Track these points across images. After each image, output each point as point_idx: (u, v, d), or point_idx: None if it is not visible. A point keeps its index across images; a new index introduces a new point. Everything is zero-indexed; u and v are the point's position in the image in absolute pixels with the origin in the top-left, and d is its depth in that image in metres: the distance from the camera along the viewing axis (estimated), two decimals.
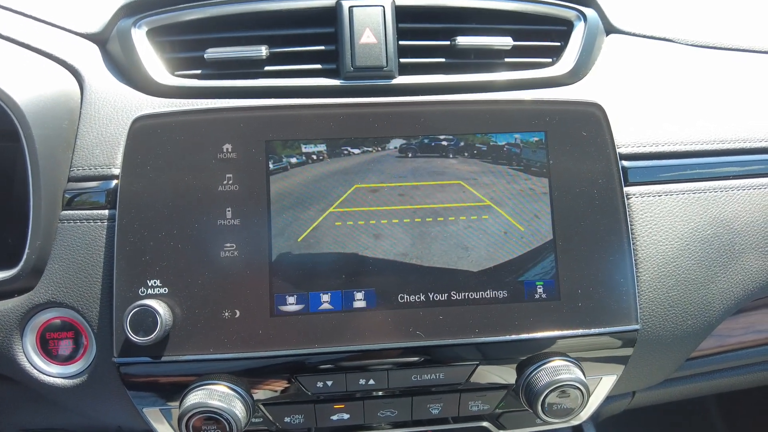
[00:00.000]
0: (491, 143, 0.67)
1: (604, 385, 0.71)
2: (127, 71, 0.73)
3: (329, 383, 0.64)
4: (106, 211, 0.66)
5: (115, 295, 0.62)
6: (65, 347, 0.68)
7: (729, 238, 0.74)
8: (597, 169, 0.68)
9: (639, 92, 0.79)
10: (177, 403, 0.63)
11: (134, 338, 0.59)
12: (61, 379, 0.67)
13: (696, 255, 0.73)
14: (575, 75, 0.78)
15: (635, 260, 0.69)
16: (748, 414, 1.37)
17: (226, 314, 0.62)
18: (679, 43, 0.89)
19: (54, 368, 0.67)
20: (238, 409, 0.60)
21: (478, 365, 0.65)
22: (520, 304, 0.64)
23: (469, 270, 0.64)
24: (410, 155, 0.65)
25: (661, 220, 0.72)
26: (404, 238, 0.64)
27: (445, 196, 0.65)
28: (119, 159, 0.67)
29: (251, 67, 0.73)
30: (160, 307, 0.59)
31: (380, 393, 0.66)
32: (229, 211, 0.63)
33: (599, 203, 0.68)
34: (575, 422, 0.76)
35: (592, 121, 0.69)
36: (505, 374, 0.68)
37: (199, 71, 0.73)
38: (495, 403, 0.69)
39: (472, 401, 0.68)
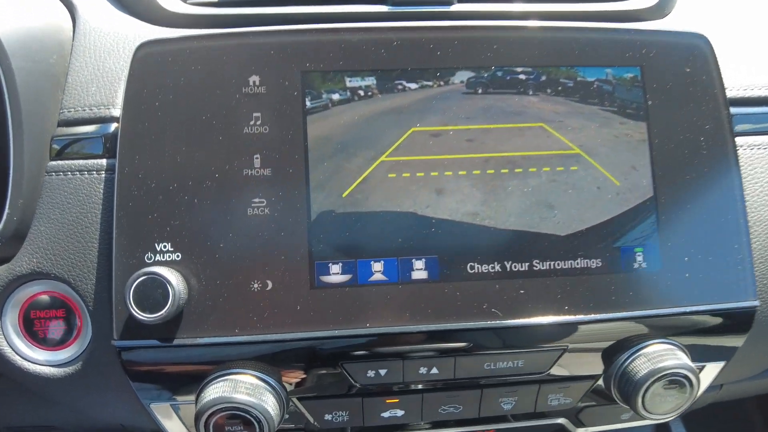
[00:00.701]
0: (579, 78, 0.54)
1: (707, 374, 0.59)
2: None
3: (382, 372, 0.51)
4: (104, 161, 0.54)
5: (114, 262, 0.49)
6: (55, 329, 0.56)
7: None
8: (703, 113, 0.56)
9: (740, 28, 0.67)
10: (193, 398, 0.51)
11: (139, 316, 0.46)
12: (49, 368, 0.55)
13: None
14: (660, 10, 0.65)
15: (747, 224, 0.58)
16: None
17: (255, 286, 0.49)
18: None
19: (41, 354, 0.55)
20: (270, 404, 0.48)
21: (565, 351, 0.53)
22: (618, 275, 0.52)
23: (555, 234, 0.52)
24: (480, 91, 0.53)
25: None
26: (473, 194, 0.52)
27: (524, 142, 0.52)
28: (119, 97, 0.55)
29: None
30: (171, 276, 0.47)
31: (442, 385, 0.54)
32: (257, 158, 0.50)
33: (707, 154, 0.55)
34: (666, 419, 0.65)
35: (696, 55, 0.57)
36: (593, 361, 0.55)
37: None
38: (579, 395, 0.57)
39: (552, 394, 0.56)
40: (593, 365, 0.55)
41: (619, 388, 0.54)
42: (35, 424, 0.71)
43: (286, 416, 0.55)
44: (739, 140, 0.60)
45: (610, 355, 0.55)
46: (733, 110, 0.61)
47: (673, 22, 0.65)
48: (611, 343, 0.54)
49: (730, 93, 0.61)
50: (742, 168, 0.59)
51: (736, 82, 0.62)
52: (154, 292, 0.47)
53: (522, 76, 0.53)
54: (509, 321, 0.51)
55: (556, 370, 0.55)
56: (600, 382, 0.56)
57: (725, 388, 0.75)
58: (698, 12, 0.67)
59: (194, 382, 0.50)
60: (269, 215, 0.50)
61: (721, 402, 0.79)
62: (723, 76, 0.60)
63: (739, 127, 0.61)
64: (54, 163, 0.55)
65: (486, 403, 0.55)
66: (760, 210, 0.59)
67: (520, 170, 0.52)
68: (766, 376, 0.72)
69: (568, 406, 0.57)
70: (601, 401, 0.60)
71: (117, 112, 0.55)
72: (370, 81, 0.52)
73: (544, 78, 0.53)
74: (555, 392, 0.56)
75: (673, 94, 0.56)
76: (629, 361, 0.53)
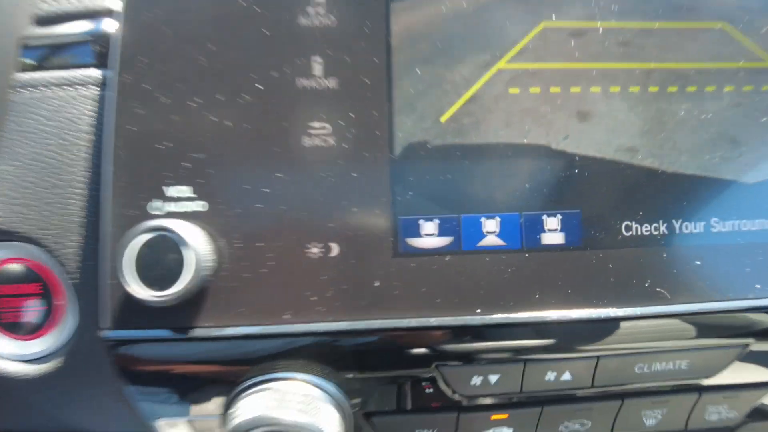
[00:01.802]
0: None
1: None
2: None
3: (493, 379, 0.36)
4: (96, 71, 0.38)
5: (105, 214, 0.34)
6: (28, 311, 0.41)
7: None
8: None
9: None
10: (218, 415, 0.36)
11: (141, 293, 0.31)
12: (17, 364, 0.40)
13: None
14: None
15: None
16: None
17: (315, 251, 0.34)
18: None
19: (8, 345, 0.40)
20: (331, 425, 0.33)
21: (747, 347, 0.38)
22: None
23: (741, 181, 0.37)
24: None
25: None
26: (631, 121, 0.36)
27: (700, 50, 0.37)
28: None
29: None
30: (191, 235, 0.32)
31: (571, 395, 0.39)
32: (318, 62, 0.35)
33: None
34: None
35: None
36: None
37: None
38: (747, 407, 0.42)
39: (713, 405, 0.41)
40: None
41: None
42: (9, 429, 0.56)
43: None
44: None
45: None
46: None
47: None
48: None
49: None
50: None
51: None
52: (164, 257, 0.32)
53: None
54: (680, 306, 0.35)
55: (724, 374, 0.40)
56: None
57: None
58: None
59: (221, 390, 0.35)
60: (334, 147, 0.34)
61: None
62: None
63: None
64: (25, 75, 0.39)
65: (623, 417, 0.40)
66: None
67: (694, 89, 0.36)
68: None
69: (732, 423, 0.42)
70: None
71: (114, 2, 0.39)
72: None
73: None
74: (717, 403, 0.41)
75: None
76: None
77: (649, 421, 0.41)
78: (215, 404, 0.36)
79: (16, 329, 0.41)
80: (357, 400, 0.37)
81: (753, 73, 0.37)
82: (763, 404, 0.42)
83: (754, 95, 0.37)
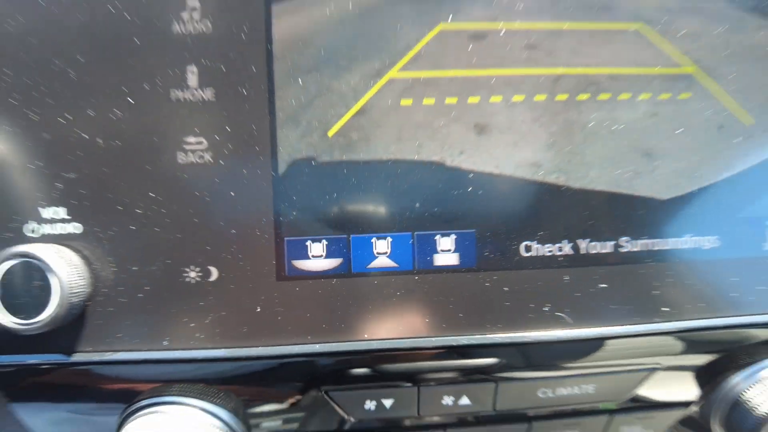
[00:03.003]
0: None
1: None
2: None
3: (387, 403, 0.35)
4: None
5: None
6: None
7: None
8: None
9: None
10: None
11: (6, 321, 0.30)
12: None
13: None
14: None
15: None
16: None
17: (192, 275, 0.32)
18: None
19: None
20: None
21: (655, 369, 0.37)
22: (741, 259, 0.35)
23: (653, 196, 0.35)
24: None
25: None
26: (535, 134, 0.34)
27: (613, 53, 0.34)
28: None
29: None
30: (57, 259, 0.30)
31: (474, 419, 0.38)
32: (192, 72, 0.32)
33: None
34: None
35: None
36: (684, 383, 0.39)
37: None
38: (662, 429, 0.41)
39: (627, 426, 0.40)
40: (686, 388, 0.39)
41: (727, 423, 0.38)
42: None
43: None
44: None
45: (712, 374, 0.39)
46: None
47: None
48: (714, 357, 0.38)
49: None
50: None
51: None
52: (29, 284, 0.30)
53: None
54: (582, 330, 0.34)
55: (642, 393, 0.39)
56: (693, 410, 0.41)
57: None
58: None
59: (109, 415, 0.34)
60: (212, 164, 0.32)
61: None
62: None
63: None
64: None
65: None
66: None
67: (607, 96, 0.34)
68: None
69: None
70: None
71: None
72: None
73: None
74: (631, 423, 0.40)
75: None
76: (745, 385, 0.37)
77: None
78: (107, 427, 0.36)
79: None
80: (254, 423, 0.36)
81: (670, 80, 0.34)
82: (680, 424, 0.41)
83: (671, 104, 0.34)
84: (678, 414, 0.40)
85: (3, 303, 0.30)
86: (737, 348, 0.37)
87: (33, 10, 0.32)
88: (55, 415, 0.35)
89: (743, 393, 0.37)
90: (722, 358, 0.38)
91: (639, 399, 0.38)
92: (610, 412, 0.39)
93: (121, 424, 0.34)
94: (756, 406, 0.36)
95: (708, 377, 0.38)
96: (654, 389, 0.38)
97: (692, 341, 0.35)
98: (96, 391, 0.34)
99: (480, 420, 0.37)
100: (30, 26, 0.32)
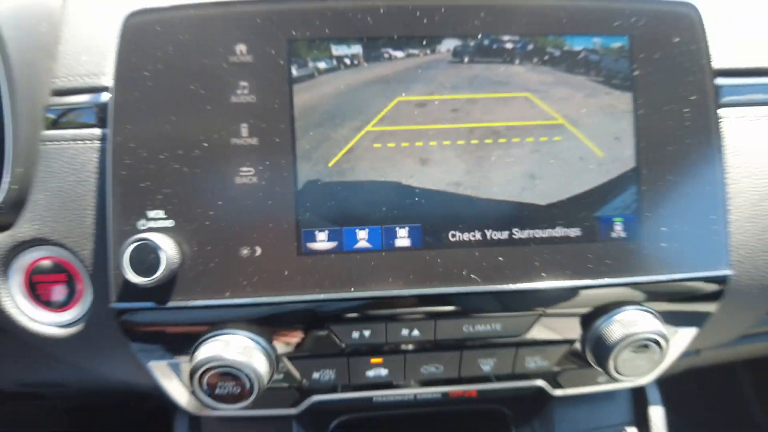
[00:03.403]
0: (565, 48, 0.54)
1: (681, 339, 0.61)
2: None
3: (366, 333, 0.54)
4: (97, 130, 0.55)
5: (109, 228, 0.52)
6: (57, 292, 0.59)
7: None
8: (689, 84, 0.56)
9: None
10: (188, 357, 0.54)
11: (134, 278, 0.49)
12: (54, 329, 0.58)
13: None
14: None
15: (726, 196, 0.59)
16: None
17: (245, 252, 0.51)
18: None
19: (46, 315, 0.58)
20: (260, 363, 0.51)
21: (541, 316, 0.56)
22: (596, 243, 0.54)
23: (536, 203, 0.53)
24: (466, 60, 0.53)
25: (755, 149, 0.60)
26: (457, 164, 0.53)
27: (509, 112, 0.53)
28: (110, 66, 0.55)
29: None
30: (163, 242, 0.49)
31: (424, 346, 0.57)
32: (244, 127, 0.52)
33: (691, 125, 0.56)
34: (641, 383, 0.68)
35: (684, 25, 0.56)
36: (569, 326, 0.58)
37: None
38: (555, 358, 0.60)
39: (530, 356, 0.59)
40: (570, 330, 0.58)
41: (594, 351, 0.56)
42: (45, 382, 0.75)
43: (279, 376, 0.58)
44: (725, 111, 0.60)
45: (587, 320, 0.58)
46: (720, 81, 0.61)
47: None
48: (588, 309, 0.57)
49: (718, 64, 0.61)
50: (726, 139, 0.59)
51: (725, 53, 0.62)
52: (147, 256, 0.49)
53: (509, 45, 0.53)
54: (487, 287, 0.53)
55: (534, 334, 0.57)
56: (577, 346, 0.59)
57: (703, 354, 0.77)
58: None
59: (189, 341, 0.53)
60: (257, 183, 0.51)
61: (698, 368, 0.82)
62: (716, 45, 0.60)
63: (725, 99, 0.61)
64: (49, 132, 0.56)
65: (466, 364, 0.58)
66: (742, 181, 0.60)
67: (504, 140, 0.53)
68: (742, 342, 0.75)
69: (545, 369, 0.60)
70: (578, 365, 0.63)
71: (108, 81, 0.56)
72: (356, 49, 0.52)
73: (530, 47, 0.53)
74: (532, 355, 0.59)
75: (660, 64, 0.56)
76: (604, 325, 0.56)
77: (485, 367, 0.59)
78: (186, 350, 0.54)
79: (51, 305, 0.59)
80: (280, 348, 0.55)
81: (547, 129, 0.53)
82: (568, 356, 0.60)
83: (547, 144, 0.53)
84: (565, 348, 0.59)
85: (131, 267, 0.49)
86: (599, 302, 0.56)
87: (144, 86, 0.51)
88: (155, 346, 0.54)
89: (604, 330, 0.55)
90: (592, 310, 0.57)
91: (536, 338, 0.57)
92: (516, 345, 0.58)
93: (195, 348, 0.52)
94: (610, 337, 0.54)
95: (583, 322, 0.57)
96: (545, 331, 0.57)
97: (563, 296, 0.54)
98: (181, 327, 0.53)
99: (426, 347, 0.56)
100: (141, 95, 0.51)
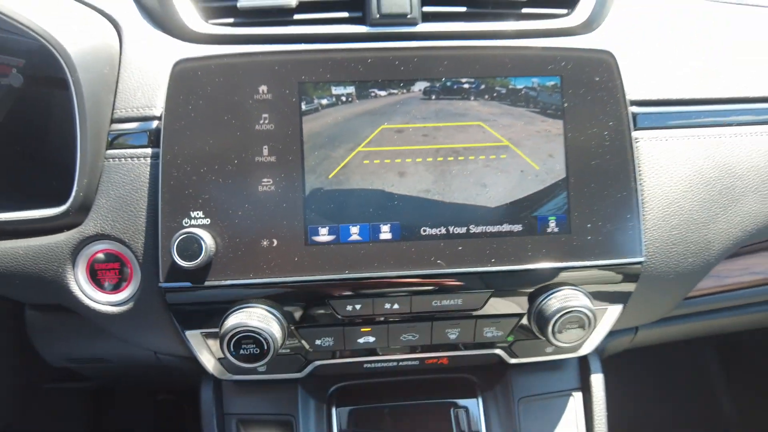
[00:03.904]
0: (510, 87, 0.70)
1: (610, 315, 0.77)
2: (161, 20, 0.77)
3: (358, 307, 0.70)
4: (149, 149, 0.71)
5: (160, 225, 0.67)
6: (112, 277, 0.74)
7: (730, 182, 0.79)
8: (608, 113, 0.72)
9: (650, 43, 0.83)
10: (216, 329, 0.68)
11: (181, 263, 0.64)
12: (110, 307, 0.73)
13: (698, 197, 0.77)
14: (588, 26, 0.81)
15: (641, 200, 0.74)
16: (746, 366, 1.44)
17: (265, 243, 0.67)
18: None
19: (104, 296, 0.73)
20: (276, 329, 0.66)
21: (493, 293, 0.71)
22: (534, 236, 0.70)
23: (487, 206, 0.69)
24: (434, 97, 0.69)
25: (666, 162, 0.76)
26: (427, 176, 0.69)
27: (466, 137, 0.69)
28: (158, 101, 0.71)
29: (281, 16, 0.76)
30: (204, 234, 0.64)
31: (403, 318, 0.72)
32: (265, 148, 0.67)
33: (609, 145, 0.72)
34: (583, 352, 0.83)
35: (603, 67, 0.73)
36: (518, 303, 0.73)
37: (231, 19, 0.77)
38: (508, 329, 0.75)
39: (486, 327, 0.74)
40: (518, 306, 0.73)
41: (537, 323, 0.72)
42: (89, 356, 0.90)
43: (289, 343, 0.73)
44: (640, 134, 0.76)
45: (533, 297, 0.73)
46: (638, 110, 0.78)
47: (595, 37, 0.80)
48: (531, 289, 0.72)
49: (637, 96, 0.78)
50: (642, 156, 0.76)
51: (642, 87, 0.79)
52: (191, 245, 0.65)
53: (466, 85, 0.70)
54: (450, 269, 0.68)
55: (489, 309, 0.73)
56: (525, 319, 0.74)
57: (640, 333, 0.93)
58: (619, 29, 0.83)
59: (219, 314, 0.68)
60: (274, 191, 0.67)
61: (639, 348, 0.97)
62: (632, 82, 0.77)
63: (642, 123, 0.78)
64: (110, 151, 0.71)
65: (436, 332, 0.74)
66: (655, 188, 0.76)
67: (462, 158, 0.69)
68: (669, 323, 0.90)
69: (501, 338, 0.75)
70: (529, 336, 0.78)
71: (157, 111, 0.71)
72: (351, 89, 0.69)
73: (483, 87, 0.70)
74: (488, 326, 0.74)
75: (585, 97, 0.72)
76: (545, 301, 0.71)
77: (452, 336, 0.74)
78: (216, 323, 0.69)
79: (107, 288, 0.74)
80: (290, 319, 0.70)
81: (495, 149, 0.69)
82: (521, 326, 0.75)
83: (496, 161, 0.69)
84: (515, 320, 0.74)
85: (178, 254, 0.64)
86: (540, 283, 0.71)
87: (187, 118, 0.67)
88: (191, 318, 0.69)
89: (543, 305, 0.70)
90: (535, 289, 0.72)
91: (491, 312, 0.72)
92: (476, 318, 0.73)
93: (225, 318, 0.67)
94: (548, 310, 0.69)
95: (529, 299, 0.72)
96: (498, 306, 0.72)
97: (509, 278, 0.70)
98: (213, 302, 0.68)
99: (405, 319, 0.71)
100: (185, 125, 0.67)
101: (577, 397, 0.86)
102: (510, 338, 0.78)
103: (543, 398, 0.84)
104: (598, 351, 0.88)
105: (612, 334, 0.86)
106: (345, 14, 0.76)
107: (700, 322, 0.92)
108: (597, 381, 0.86)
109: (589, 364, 0.87)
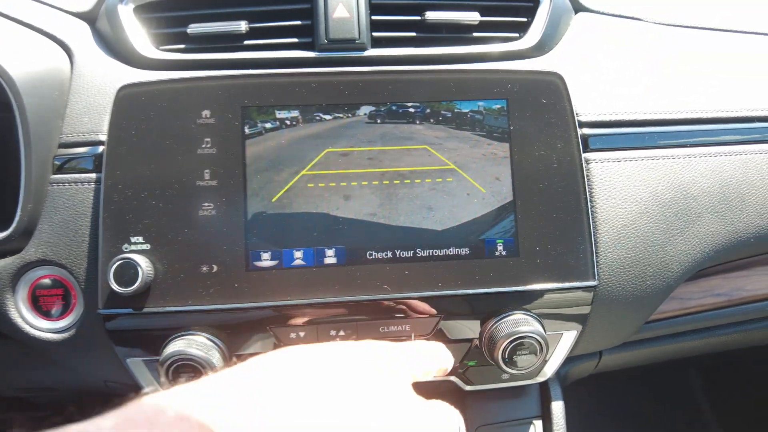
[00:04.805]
0: (456, 110, 0.70)
1: (565, 340, 0.75)
2: (114, 46, 0.77)
3: (302, 334, 0.68)
4: (94, 175, 0.70)
5: (100, 250, 0.66)
6: (55, 304, 0.72)
7: (686, 203, 0.78)
8: (556, 135, 0.72)
9: (602, 66, 0.83)
10: (158, 355, 0.67)
11: (117, 288, 0.63)
12: (51, 334, 0.71)
13: (655, 218, 0.76)
14: (540, 49, 0.82)
15: (594, 222, 0.73)
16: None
17: (204, 269, 0.66)
18: (646, 21, 0.93)
19: (44, 323, 0.71)
20: (216, 358, 0.64)
21: (441, 318, 0.69)
22: (482, 260, 0.68)
23: (434, 229, 0.68)
24: (379, 121, 0.69)
25: (620, 184, 0.76)
26: (372, 199, 0.68)
27: (412, 160, 0.69)
28: (105, 126, 0.71)
29: (232, 41, 0.77)
30: (141, 260, 0.63)
31: None
32: (207, 172, 0.67)
33: (558, 167, 0.72)
34: (541, 378, 0.80)
35: (551, 89, 0.73)
36: (468, 328, 0.72)
37: (182, 45, 0.77)
38: (460, 356, 0.73)
39: None
40: (468, 331, 0.71)
41: (487, 348, 0.70)
42: (38, 386, 0.87)
43: None
44: (592, 155, 0.76)
45: (483, 322, 0.71)
46: (590, 131, 0.78)
47: (546, 60, 0.81)
48: (481, 314, 0.70)
49: (588, 118, 0.78)
50: (594, 178, 0.75)
51: (594, 109, 0.79)
52: (128, 271, 0.63)
53: (411, 110, 0.70)
54: (397, 294, 0.67)
55: (440, 334, 0.71)
56: (475, 342, 0.72)
57: (605, 357, 0.91)
58: (572, 52, 0.83)
59: (159, 341, 0.66)
60: (215, 215, 0.66)
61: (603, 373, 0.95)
62: (583, 103, 0.77)
63: (594, 145, 0.77)
64: (55, 176, 0.71)
65: None
66: (609, 210, 0.75)
67: (408, 182, 0.69)
68: (631, 348, 0.89)
69: (453, 364, 0.73)
70: (483, 362, 0.76)
71: (103, 136, 0.71)
72: (295, 113, 0.69)
73: (428, 110, 0.70)
74: None
75: (533, 120, 0.72)
76: (494, 326, 0.69)
77: None
78: (157, 349, 0.67)
79: (49, 315, 0.72)
80: (232, 346, 0.68)
81: (441, 172, 0.69)
82: (477, 354, 0.73)
83: (442, 184, 0.69)
84: (467, 346, 0.72)
85: (114, 279, 0.63)
86: (489, 308, 0.69)
87: (131, 143, 0.66)
88: (132, 345, 0.67)
89: (493, 330, 0.69)
90: (485, 314, 0.70)
91: (444, 335, 0.70)
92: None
93: (164, 345, 0.65)
94: (498, 335, 0.68)
95: (480, 323, 0.71)
96: (449, 331, 0.70)
97: (458, 302, 0.68)
98: (153, 328, 0.66)
99: None
100: (127, 151, 0.66)
101: (537, 426, 0.83)
102: (472, 363, 0.76)
103: (501, 426, 0.81)
104: (560, 377, 0.86)
105: (573, 359, 0.85)
106: (294, 40, 0.77)
107: (665, 345, 0.90)
108: (557, 408, 0.83)
109: (549, 391, 0.84)
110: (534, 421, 0.83)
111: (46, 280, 0.72)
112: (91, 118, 0.73)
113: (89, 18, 0.82)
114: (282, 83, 0.69)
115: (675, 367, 1.43)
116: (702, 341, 0.91)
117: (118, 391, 0.83)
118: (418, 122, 0.70)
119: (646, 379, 1.47)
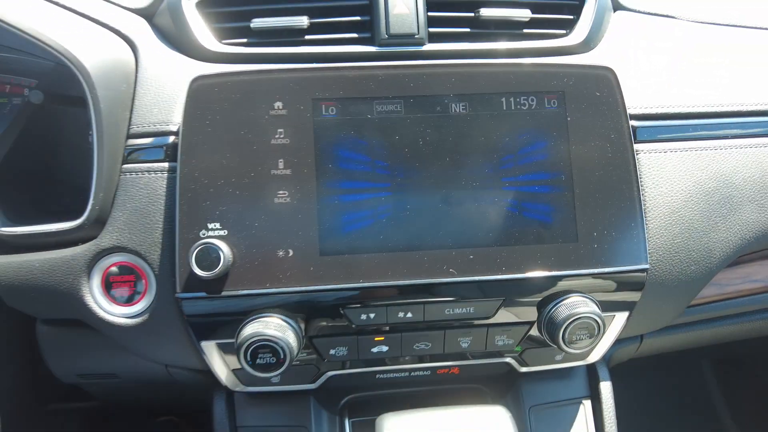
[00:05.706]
0: (515, 101, 0.73)
1: (617, 322, 0.78)
2: (177, 40, 0.80)
3: (372, 315, 0.70)
4: (165, 164, 0.72)
5: (178, 236, 0.68)
6: (126, 290, 0.74)
7: (728, 192, 0.82)
8: (610, 127, 0.75)
9: (644, 61, 0.87)
10: (231, 340, 0.69)
11: (200, 273, 0.65)
12: (125, 319, 0.73)
13: (698, 206, 0.80)
14: (587, 45, 0.85)
15: (644, 209, 0.77)
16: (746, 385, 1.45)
17: (281, 253, 0.68)
18: (681, 19, 0.96)
19: (119, 309, 0.73)
20: (291, 338, 0.67)
21: (504, 301, 0.72)
22: (542, 245, 0.71)
23: (498, 216, 0.71)
24: (443, 113, 0.71)
25: (666, 174, 0.79)
26: (440, 186, 0.71)
27: (476, 151, 0.72)
28: (175, 117, 0.73)
29: (293, 36, 0.79)
30: (222, 245, 0.66)
31: (416, 327, 0.73)
32: (281, 162, 0.69)
33: (612, 156, 0.75)
34: (591, 360, 0.84)
35: (605, 83, 0.76)
36: (528, 311, 0.75)
37: (245, 39, 0.80)
38: (519, 337, 0.76)
39: (498, 336, 0.75)
40: (528, 314, 0.75)
41: (547, 329, 0.73)
42: (100, 372, 0.89)
43: (303, 353, 0.74)
44: (640, 146, 0.79)
45: (542, 305, 0.74)
46: (637, 123, 0.81)
47: (594, 56, 0.84)
48: (541, 297, 0.74)
49: (636, 111, 0.81)
50: (642, 168, 0.79)
51: (641, 102, 0.82)
52: (210, 255, 0.66)
53: (472, 102, 0.72)
54: (462, 278, 0.70)
55: (501, 317, 0.74)
56: (535, 327, 0.76)
57: (645, 341, 0.94)
58: (616, 48, 0.87)
59: (235, 324, 0.69)
60: (290, 203, 0.69)
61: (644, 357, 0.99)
62: (630, 97, 0.80)
63: (642, 137, 0.81)
64: (126, 165, 0.73)
65: (449, 341, 0.75)
66: (656, 198, 0.78)
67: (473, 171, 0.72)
68: (672, 331, 0.92)
69: (511, 346, 0.77)
70: (539, 345, 0.79)
71: (173, 127, 0.73)
72: (364, 106, 0.71)
73: (489, 102, 0.73)
74: (500, 334, 0.75)
75: (587, 112, 0.75)
76: (554, 308, 0.72)
77: (464, 344, 0.75)
78: (232, 332, 0.69)
79: (121, 300, 0.74)
80: (306, 328, 0.70)
81: (507, 161, 0.72)
82: (530, 335, 0.76)
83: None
84: (526, 328, 0.75)
85: (196, 264, 0.65)
86: (549, 291, 0.72)
87: (205, 133, 0.68)
88: (206, 328, 0.70)
89: (553, 312, 0.72)
90: (544, 297, 0.73)
91: (502, 320, 0.73)
92: (487, 326, 0.74)
93: (241, 328, 0.68)
94: (558, 317, 0.71)
95: (538, 307, 0.74)
96: (509, 314, 0.73)
97: (520, 285, 0.71)
98: (229, 312, 0.69)
99: (418, 328, 0.72)
100: (203, 139, 0.69)
101: (586, 405, 0.86)
102: (518, 348, 0.79)
103: (553, 406, 0.85)
104: (606, 359, 0.89)
105: (618, 342, 0.88)
106: (354, 35, 0.79)
107: (702, 330, 0.94)
108: (606, 389, 0.87)
109: (597, 372, 0.88)
110: (583, 401, 0.86)
111: (116, 268, 0.74)
112: (161, 109, 0.75)
113: (147, 14, 0.84)
114: (349, 76, 0.72)
115: (688, 359, 1.47)
116: (737, 327, 0.94)
117: (180, 378, 0.85)
118: (480, 112, 0.73)
119: (661, 371, 1.51)
